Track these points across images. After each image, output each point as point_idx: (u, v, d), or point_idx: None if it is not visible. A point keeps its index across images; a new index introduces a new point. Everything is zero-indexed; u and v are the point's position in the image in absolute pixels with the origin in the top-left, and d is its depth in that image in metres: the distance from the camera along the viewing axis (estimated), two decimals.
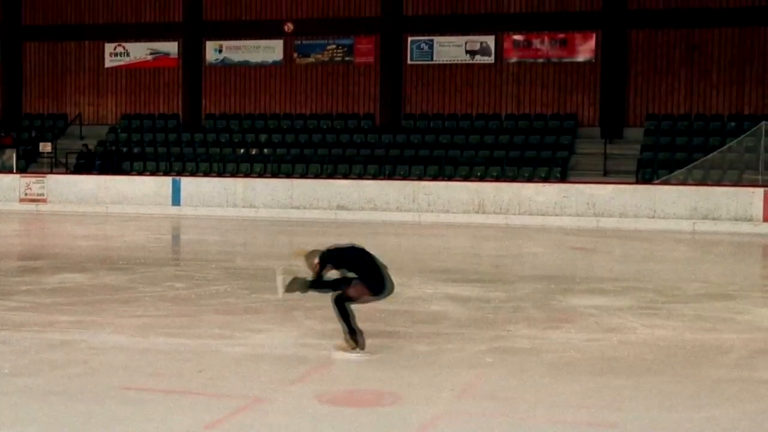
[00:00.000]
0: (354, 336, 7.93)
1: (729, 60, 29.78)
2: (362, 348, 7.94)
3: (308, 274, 8.15)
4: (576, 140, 30.28)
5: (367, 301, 8.15)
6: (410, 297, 11.29)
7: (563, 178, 27.88)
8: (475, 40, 31.72)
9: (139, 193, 28.55)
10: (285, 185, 27.53)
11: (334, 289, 7.94)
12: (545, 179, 27.50)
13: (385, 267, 8.07)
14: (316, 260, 8.00)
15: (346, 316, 7.93)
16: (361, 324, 8.09)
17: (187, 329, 9.23)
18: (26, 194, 29.37)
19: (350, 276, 7.94)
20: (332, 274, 8.06)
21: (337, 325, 8.12)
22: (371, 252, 8.18)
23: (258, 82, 33.97)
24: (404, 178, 28.31)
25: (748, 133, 27.03)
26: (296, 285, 8.05)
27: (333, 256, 8.03)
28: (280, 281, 8.09)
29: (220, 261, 15.71)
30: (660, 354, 8.39)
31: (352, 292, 7.87)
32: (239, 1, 33.76)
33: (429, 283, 12.75)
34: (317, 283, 8.00)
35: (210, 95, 34.42)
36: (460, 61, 31.89)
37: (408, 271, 13.87)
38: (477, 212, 25.63)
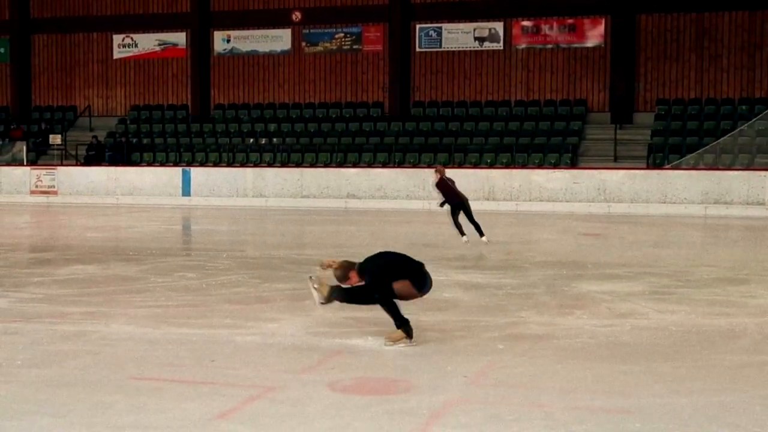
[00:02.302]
0: (404, 327, 7.98)
1: (739, 44, 29.61)
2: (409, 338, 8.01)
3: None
4: (586, 126, 30.19)
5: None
6: None
7: (573, 164, 27.82)
8: (484, 27, 31.62)
9: (149, 184, 28.60)
10: (295, 174, 27.53)
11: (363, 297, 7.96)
12: (555, 165, 27.43)
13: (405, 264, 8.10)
14: (354, 272, 8.00)
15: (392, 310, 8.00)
16: (371, 312, 8.10)
17: (199, 319, 9.23)
18: (37, 186, 29.45)
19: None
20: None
21: (347, 314, 8.11)
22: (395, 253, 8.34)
23: (266, 72, 33.96)
24: (414, 165, 28.29)
25: (760, 116, 26.91)
26: (333, 293, 8.05)
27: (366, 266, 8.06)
28: (315, 292, 8.08)
29: (231, 251, 15.72)
30: (673, 339, 8.37)
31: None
32: None
33: (440, 271, 12.72)
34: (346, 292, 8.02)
35: (218, 85, 34.43)
36: (468, 48, 31.80)
37: (419, 259, 13.86)
38: (487, 199, 25.60)
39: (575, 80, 31.03)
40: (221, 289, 11.24)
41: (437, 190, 17.10)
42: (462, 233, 16.08)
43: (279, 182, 27.46)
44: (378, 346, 7.92)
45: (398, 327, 7.92)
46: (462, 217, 16.35)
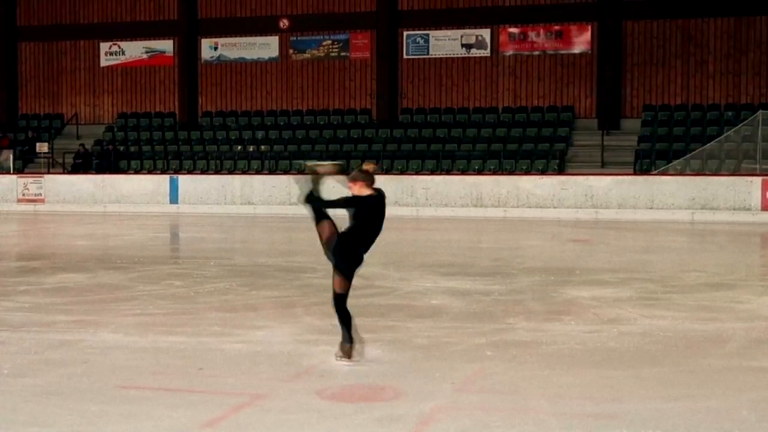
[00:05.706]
0: (350, 344, 7.62)
1: (725, 50, 29.77)
2: (348, 357, 7.59)
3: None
4: (573, 132, 30.28)
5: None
6: (409, 291, 11.29)
7: (561, 170, 27.89)
8: (471, 34, 31.70)
9: (137, 192, 28.53)
10: (283, 182, 27.51)
11: (319, 210, 7.93)
12: (543, 172, 27.50)
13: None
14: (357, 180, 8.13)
15: (346, 321, 7.65)
16: (359, 319, 8.05)
17: (187, 327, 9.21)
18: (24, 195, 29.35)
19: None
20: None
21: (335, 321, 8.00)
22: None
23: (254, 79, 33.95)
24: (402, 172, 28.31)
25: (746, 122, 27.03)
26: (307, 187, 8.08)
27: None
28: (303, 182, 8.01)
29: (219, 258, 15.68)
30: (660, 344, 8.39)
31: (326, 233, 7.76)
32: None
33: (428, 277, 12.74)
34: (313, 198, 7.96)
35: (206, 93, 34.41)
36: (456, 55, 31.88)
37: (407, 266, 13.90)
38: (475, 206, 25.63)
39: (562, 86, 31.14)
40: (209, 296, 11.22)
41: None
42: None
43: (267, 189, 27.43)
44: (366, 352, 7.90)
45: (346, 342, 7.62)
46: None
